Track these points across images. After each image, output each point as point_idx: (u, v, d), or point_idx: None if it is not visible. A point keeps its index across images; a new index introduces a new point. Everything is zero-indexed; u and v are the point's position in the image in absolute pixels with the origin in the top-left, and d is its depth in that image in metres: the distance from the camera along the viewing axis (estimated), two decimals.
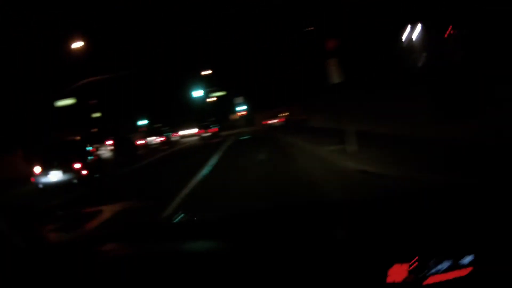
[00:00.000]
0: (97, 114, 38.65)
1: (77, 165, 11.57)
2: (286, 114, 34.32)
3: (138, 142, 28.67)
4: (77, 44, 25.18)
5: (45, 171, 11.43)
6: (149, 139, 29.88)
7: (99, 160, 13.83)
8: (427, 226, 1.49)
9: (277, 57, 40.81)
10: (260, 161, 11.84)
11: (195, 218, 2.41)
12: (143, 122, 47.88)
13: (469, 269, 1.25)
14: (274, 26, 34.40)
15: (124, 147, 17.58)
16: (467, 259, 1.27)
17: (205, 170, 11.44)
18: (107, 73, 28.74)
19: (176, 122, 48.45)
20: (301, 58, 29.71)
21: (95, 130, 18.49)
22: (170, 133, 33.12)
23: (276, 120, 34.06)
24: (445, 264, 1.27)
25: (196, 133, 40.79)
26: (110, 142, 16.98)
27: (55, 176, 11.48)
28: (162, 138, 30.40)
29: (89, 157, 12.64)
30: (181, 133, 48.66)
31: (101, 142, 16.98)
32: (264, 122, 35.23)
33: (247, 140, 25.92)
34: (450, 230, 1.43)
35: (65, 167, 11.47)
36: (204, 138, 34.22)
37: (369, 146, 10.62)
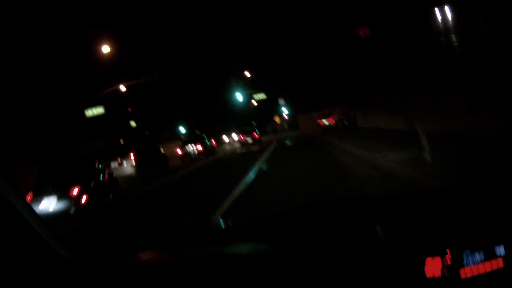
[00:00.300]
0: (132, 123, 37.43)
1: (75, 190, 9.10)
2: (335, 115, 32.52)
3: (178, 151, 26.83)
4: (106, 49, 23.65)
5: (36, 198, 9.00)
6: (187, 147, 27.75)
7: (112, 179, 11.42)
8: (455, 220, 1.52)
9: (319, 53, 38.38)
10: (306, 179, 9.20)
11: (231, 223, 2.48)
12: (182, 130, 46.33)
13: (501, 259, 1.30)
14: (315, 19, 32.31)
15: (150, 159, 15.36)
16: (500, 249, 1.31)
17: (243, 186, 9.20)
18: (140, 78, 27.16)
19: (215, 128, 46.72)
20: (346, 49, 27.32)
21: (122, 141, 16.24)
22: (208, 141, 30.86)
23: (325, 121, 33.49)
24: (478, 256, 1.30)
25: (236, 139, 39.19)
26: (132, 154, 14.59)
27: (48, 204, 9.00)
28: (200, 147, 28.19)
29: (100, 176, 10.29)
30: (221, 139, 46.96)
31: (126, 155, 14.64)
32: (319, 121, 34.84)
33: (290, 147, 23.48)
34: (478, 223, 1.46)
35: (61, 193, 9.02)
36: (244, 144, 32.85)
37: (449, 153, 7.79)
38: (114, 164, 14.35)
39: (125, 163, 14.33)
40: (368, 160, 10.34)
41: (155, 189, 12.56)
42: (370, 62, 22.32)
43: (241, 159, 20.45)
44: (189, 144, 27.13)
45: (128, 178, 14.22)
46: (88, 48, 24.19)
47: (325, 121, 32.97)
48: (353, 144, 13.86)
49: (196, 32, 52.25)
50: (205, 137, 28.69)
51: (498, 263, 1.29)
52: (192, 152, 26.87)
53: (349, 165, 10.37)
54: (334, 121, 31.72)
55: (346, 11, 22.98)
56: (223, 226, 2.35)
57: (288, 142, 26.69)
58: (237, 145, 34.69)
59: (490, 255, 1.30)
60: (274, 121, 56.66)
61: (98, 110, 23.20)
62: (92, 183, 9.81)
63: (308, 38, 40.08)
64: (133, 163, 14.29)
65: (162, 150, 17.77)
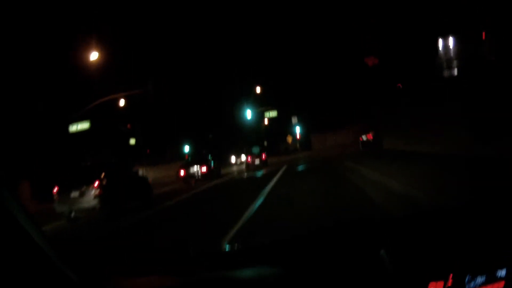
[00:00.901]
0: (132, 141, 34.70)
1: None
2: (370, 133, 32.02)
3: (181, 172, 24.73)
4: (96, 57, 21.15)
5: None
6: (191, 168, 24.96)
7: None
8: (458, 244, 1.50)
9: (335, 72, 36.60)
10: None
11: (239, 247, 2.59)
12: (187, 149, 43.44)
13: (503, 282, 1.32)
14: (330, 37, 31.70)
15: (125, 187, 12.10)
16: (501, 272, 1.33)
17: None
18: (133, 90, 24.64)
19: (223, 148, 43.95)
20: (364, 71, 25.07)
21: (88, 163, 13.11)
22: (214, 162, 27.91)
23: (364, 137, 34.10)
24: (479, 280, 1.32)
25: (242, 161, 36.82)
26: (97, 182, 11.17)
27: None
28: (205, 168, 25.24)
29: None
30: (228, 160, 44.31)
31: (91, 181, 11.33)
32: (360, 138, 34.96)
33: (303, 173, 20.16)
34: (481, 247, 1.45)
35: None
36: (250, 167, 30.15)
37: None
38: (74, 194, 11.12)
39: (91, 192, 11.04)
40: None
41: (116, 231, 9.25)
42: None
43: (243, 187, 17.67)
44: (194, 165, 24.78)
45: (90, 212, 10.99)
46: (84, 60, 21.88)
47: (364, 137, 33.72)
48: (389, 177, 10.51)
49: (206, 45, 50.09)
50: (210, 158, 25.92)
51: (499, 286, 1.30)
52: (196, 174, 24.51)
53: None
54: (372, 137, 31.83)
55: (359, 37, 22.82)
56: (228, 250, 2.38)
57: (300, 167, 23.73)
58: (244, 167, 32.02)
59: (491, 278, 1.31)
60: (286, 141, 53.75)
61: (83, 125, 20.37)
62: None
63: (324, 57, 38.09)
64: (98, 192, 10.95)
65: (142, 175, 14.45)
